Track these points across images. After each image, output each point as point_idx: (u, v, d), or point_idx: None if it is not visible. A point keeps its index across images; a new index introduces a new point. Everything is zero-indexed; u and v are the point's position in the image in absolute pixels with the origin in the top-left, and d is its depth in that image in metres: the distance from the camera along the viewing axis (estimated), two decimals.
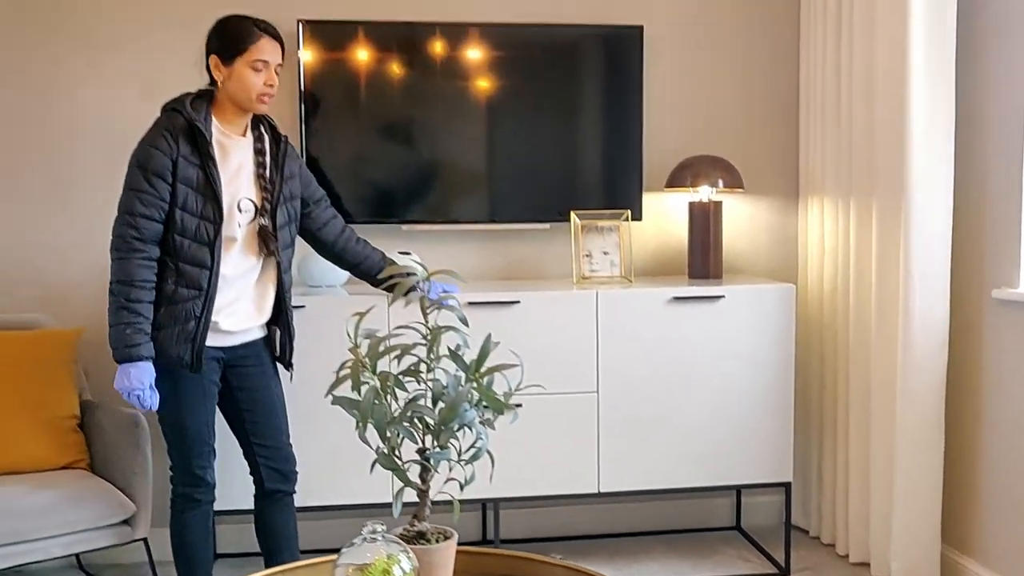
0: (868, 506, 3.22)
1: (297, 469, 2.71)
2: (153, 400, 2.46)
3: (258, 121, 2.60)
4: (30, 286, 3.31)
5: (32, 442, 2.87)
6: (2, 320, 3.08)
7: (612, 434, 3.17)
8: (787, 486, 3.31)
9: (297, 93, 3.30)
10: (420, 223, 3.40)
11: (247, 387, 2.63)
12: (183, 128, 2.43)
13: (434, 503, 1.77)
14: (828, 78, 3.32)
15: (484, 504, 3.26)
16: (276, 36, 2.53)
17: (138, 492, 2.81)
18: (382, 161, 3.40)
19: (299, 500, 2.87)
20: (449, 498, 1.75)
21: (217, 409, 2.63)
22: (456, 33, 3.36)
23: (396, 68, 3.36)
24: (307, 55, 3.29)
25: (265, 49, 2.48)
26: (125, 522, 2.80)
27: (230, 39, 2.48)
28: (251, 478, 2.69)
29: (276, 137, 2.62)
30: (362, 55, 3.33)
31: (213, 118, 2.49)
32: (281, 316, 2.65)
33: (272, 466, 2.66)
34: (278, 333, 2.68)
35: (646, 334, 3.17)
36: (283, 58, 2.55)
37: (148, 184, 2.39)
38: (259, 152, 2.57)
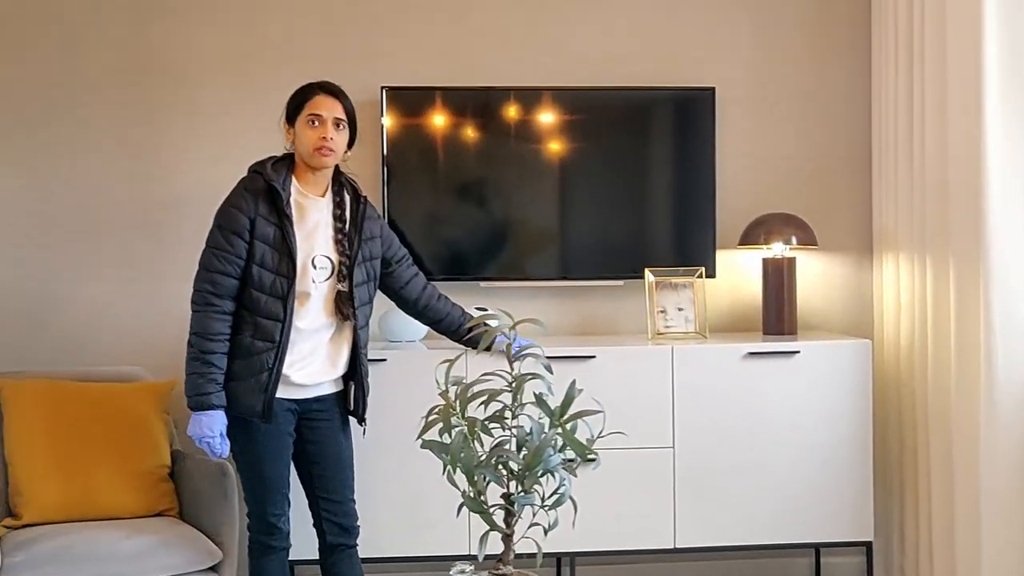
0: (954, 568, 3.14)
1: (359, 524, 2.76)
2: (223, 448, 2.56)
3: (340, 182, 2.71)
4: (128, 340, 3.48)
5: (127, 490, 2.99)
6: (102, 372, 3.23)
7: (688, 489, 3.17)
8: (868, 545, 3.26)
9: (380, 156, 3.45)
10: (496, 280, 3.49)
11: (317, 440, 2.70)
12: (262, 189, 2.57)
13: (515, 556, 1.81)
14: (900, 132, 3.34)
15: (559, 558, 3.27)
16: (332, 91, 2.64)
17: (225, 539, 2.90)
18: (459, 220, 3.52)
19: (374, 551, 2.94)
20: (528, 551, 1.79)
21: None
22: (530, 97, 3.48)
23: (472, 132, 3.49)
24: (388, 120, 3.44)
25: (319, 104, 2.60)
26: (213, 568, 2.88)
27: (292, 102, 2.65)
28: (314, 530, 2.75)
29: (357, 197, 2.72)
30: (440, 120, 3.47)
31: (293, 179, 2.63)
32: (356, 372, 2.71)
33: (335, 520, 2.72)
34: (353, 388, 2.74)
35: (721, 389, 3.19)
36: (345, 113, 2.64)
37: (226, 242, 2.54)
38: (338, 212, 2.66)
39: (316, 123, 2.60)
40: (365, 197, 2.74)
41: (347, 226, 2.66)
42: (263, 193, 2.57)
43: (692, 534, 3.18)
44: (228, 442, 2.57)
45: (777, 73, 3.64)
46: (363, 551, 2.79)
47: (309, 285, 2.59)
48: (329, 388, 2.70)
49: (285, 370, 2.57)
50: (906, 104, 3.31)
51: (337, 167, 2.71)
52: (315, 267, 2.60)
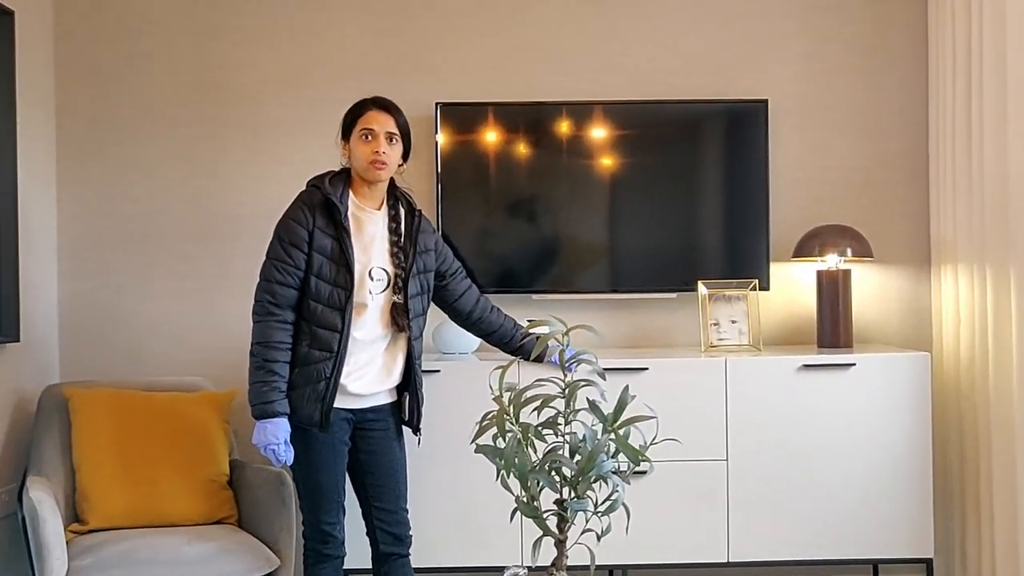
0: None
1: (411, 533, 2.79)
2: (288, 455, 2.61)
3: (396, 196, 2.76)
4: (190, 351, 3.58)
5: (188, 497, 3.06)
6: (165, 382, 3.33)
7: (742, 502, 3.15)
8: (928, 563, 3.20)
9: (434, 172, 3.50)
10: (547, 292, 3.51)
11: (371, 450, 2.73)
12: (320, 202, 2.63)
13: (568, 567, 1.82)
14: (958, 142, 3.30)
15: (611, 570, 3.26)
16: (385, 107, 2.69)
17: (283, 547, 2.96)
18: (510, 235, 3.56)
19: (427, 561, 2.96)
20: (581, 563, 1.80)
21: None
22: (582, 112, 3.51)
23: (524, 147, 3.52)
24: (442, 137, 3.49)
25: (372, 119, 2.66)
26: (270, 575, 2.93)
27: (346, 118, 2.72)
28: (367, 539, 2.78)
29: (412, 211, 2.77)
30: (492, 135, 3.52)
31: (350, 193, 2.69)
32: (411, 382, 2.74)
33: (387, 529, 2.74)
34: (407, 398, 2.77)
35: (776, 402, 3.16)
36: (397, 127, 2.68)
37: (285, 253, 2.60)
38: (393, 225, 2.71)
39: (369, 138, 2.65)
40: (420, 211, 2.79)
41: (402, 239, 2.71)
42: (321, 206, 2.63)
43: (746, 548, 3.15)
44: (292, 449, 2.62)
45: (831, 84, 3.62)
46: (416, 561, 2.81)
47: (366, 296, 2.63)
48: (384, 398, 2.74)
49: (342, 380, 2.61)
50: (964, 113, 3.27)
51: (393, 181, 2.76)
52: (372, 279, 2.64)
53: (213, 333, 3.58)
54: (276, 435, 2.58)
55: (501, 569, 3.11)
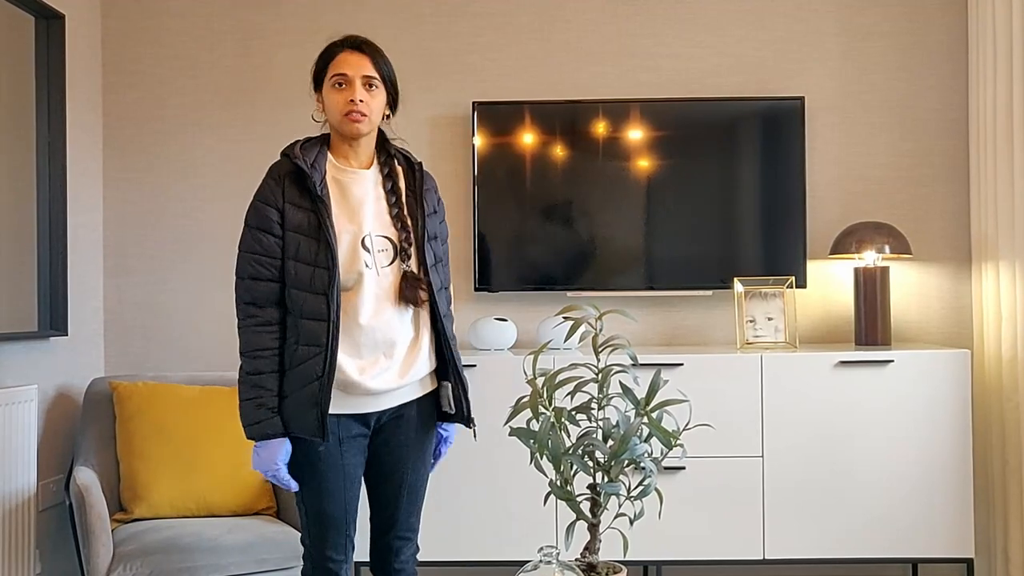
0: None
1: (418, 549, 2.35)
2: (292, 480, 2.17)
3: (388, 152, 2.28)
4: (231, 347, 3.61)
5: (228, 489, 3.12)
6: (207, 377, 3.39)
7: (778, 499, 3.14)
8: (969, 563, 3.16)
9: (471, 174, 3.53)
10: (583, 290, 3.53)
11: (393, 459, 2.25)
12: (289, 172, 2.18)
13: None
14: (1000, 139, 3.27)
15: (646, 567, 3.27)
16: (357, 46, 2.21)
17: None
18: (546, 236, 3.57)
19: (457, 555, 3.00)
20: (611, 556, 1.81)
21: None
22: (618, 111, 3.52)
23: (560, 149, 3.54)
24: (479, 139, 3.52)
25: (344, 62, 2.18)
26: None
27: (317, 65, 2.25)
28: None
29: (411, 165, 2.28)
30: (528, 137, 3.54)
31: (329, 155, 2.22)
32: (449, 368, 2.24)
33: (392, 545, 2.30)
34: (448, 388, 2.25)
35: (812, 399, 3.15)
36: (376, 70, 2.20)
37: (255, 241, 2.18)
38: (388, 184, 2.23)
39: (343, 84, 2.17)
40: (420, 164, 2.29)
41: (402, 197, 2.23)
42: (291, 176, 2.17)
43: (782, 545, 3.14)
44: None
45: (869, 81, 3.60)
46: (445, 554, 2.79)
47: (361, 271, 2.15)
48: (411, 392, 2.23)
49: (357, 377, 2.14)
50: (1005, 110, 3.24)
51: (383, 135, 2.28)
52: (368, 249, 2.17)
53: None
54: (273, 459, 2.13)
55: (521, 563, 3.14)
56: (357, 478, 2.21)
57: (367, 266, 2.15)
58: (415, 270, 2.18)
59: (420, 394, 2.24)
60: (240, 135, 3.67)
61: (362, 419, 2.18)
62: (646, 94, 3.58)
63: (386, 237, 2.19)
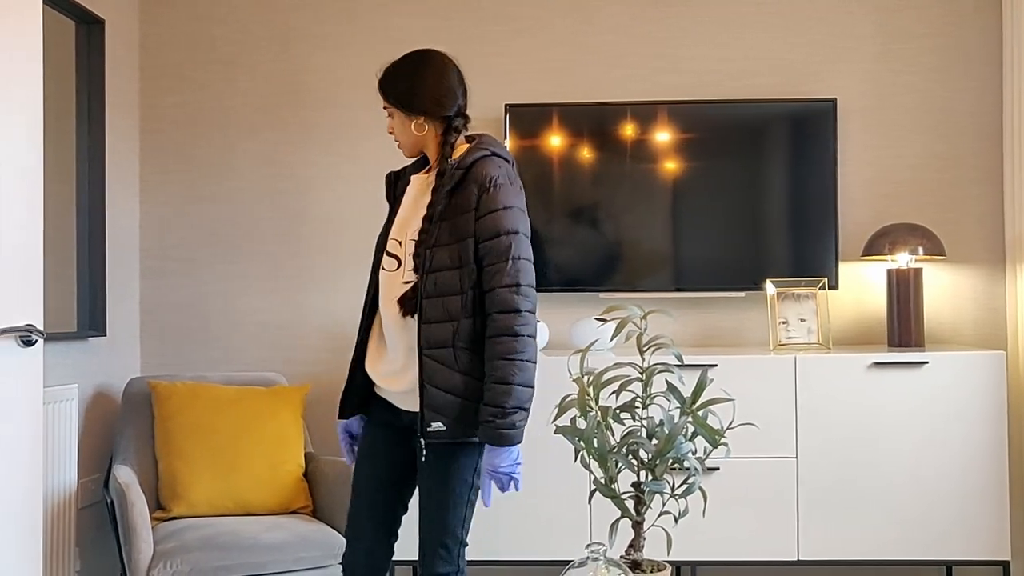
0: None
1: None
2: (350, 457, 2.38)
3: (460, 163, 2.24)
4: (266, 348, 3.68)
5: (266, 488, 3.16)
6: (243, 377, 3.43)
7: (812, 500, 3.14)
8: (1005, 565, 3.15)
9: None
10: (613, 291, 3.54)
11: (421, 465, 2.23)
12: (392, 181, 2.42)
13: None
14: None
15: (679, 567, 3.27)
16: (378, 84, 2.35)
17: None
18: (575, 238, 3.58)
19: (494, 555, 3.01)
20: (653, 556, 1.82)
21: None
22: (647, 113, 3.53)
23: (589, 151, 3.56)
24: (510, 141, 3.53)
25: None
26: None
27: None
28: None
29: (457, 165, 2.24)
30: (557, 139, 3.55)
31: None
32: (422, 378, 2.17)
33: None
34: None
35: (846, 400, 3.15)
36: (386, 99, 2.32)
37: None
38: (437, 187, 2.23)
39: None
40: (456, 162, 2.22)
41: (436, 205, 2.21)
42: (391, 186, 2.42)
43: (816, 547, 3.14)
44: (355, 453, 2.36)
45: (903, 83, 3.60)
46: (482, 554, 2.81)
47: (381, 273, 2.30)
48: (415, 403, 2.20)
49: (381, 382, 2.27)
50: None
51: (448, 141, 2.29)
52: (388, 253, 2.29)
53: (288, 330, 3.68)
54: (340, 437, 2.39)
55: (567, 563, 3.15)
56: (378, 484, 2.29)
57: (384, 268, 2.29)
58: (412, 277, 2.20)
59: (407, 408, 2.24)
60: (276, 138, 3.71)
61: (391, 409, 2.27)
62: (675, 96, 3.59)
63: (398, 241, 2.27)
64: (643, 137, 3.55)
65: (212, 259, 3.71)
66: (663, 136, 3.54)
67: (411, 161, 2.40)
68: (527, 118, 3.56)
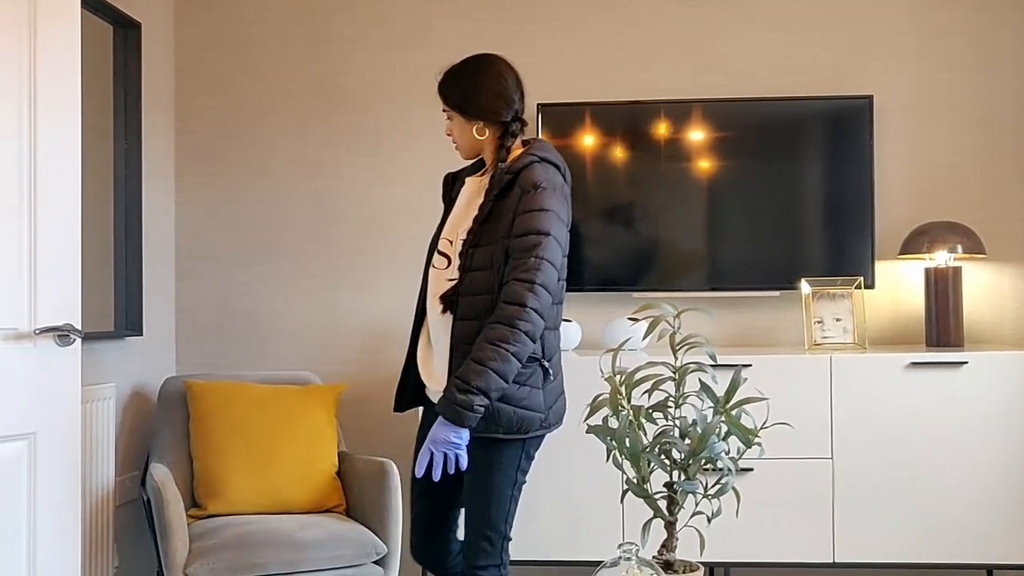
0: None
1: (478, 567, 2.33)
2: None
3: (510, 167, 2.31)
4: (300, 347, 3.71)
5: (300, 486, 3.17)
6: (278, 376, 3.46)
7: (848, 502, 3.10)
8: None
9: None
10: (647, 291, 3.52)
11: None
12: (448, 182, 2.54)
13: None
14: None
15: (712, 568, 3.25)
16: (437, 88, 2.42)
17: (390, 535, 3.03)
18: (609, 237, 3.57)
19: (530, 555, 3.00)
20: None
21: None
22: (681, 112, 3.51)
23: (622, 151, 3.54)
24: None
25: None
26: (377, 563, 3.01)
27: None
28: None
29: (506, 170, 2.30)
30: (589, 139, 3.54)
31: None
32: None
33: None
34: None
35: (883, 400, 3.11)
36: (445, 102, 2.39)
37: None
38: (488, 190, 2.31)
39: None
40: (505, 167, 2.28)
41: (484, 208, 2.29)
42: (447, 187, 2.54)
43: (852, 549, 3.10)
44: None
45: (942, 80, 3.54)
46: (514, 554, 2.80)
47: (431, 270, 2.40)
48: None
49: (426, 380, 2.39)
50: None
51: (503, 145, 2.36)
52: (439, 251, 2.40)
53: (322, 330, 3.70)
54: None
55: (598, 563, 3.14)
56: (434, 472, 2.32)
57: (434, 266, 2.39)
58: (457, 275, 2.28)
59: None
60: (310, 139, 3.73)
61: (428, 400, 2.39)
62: (709, 94, 3.56)
63: (449, 241, 2.37)
64: (677, 136, 3.53)
65: (247, 259, 3.74)
66: (697, 135, 3.52)
67: (469, 162, 2.48)
68: (560, 117, 3.56)
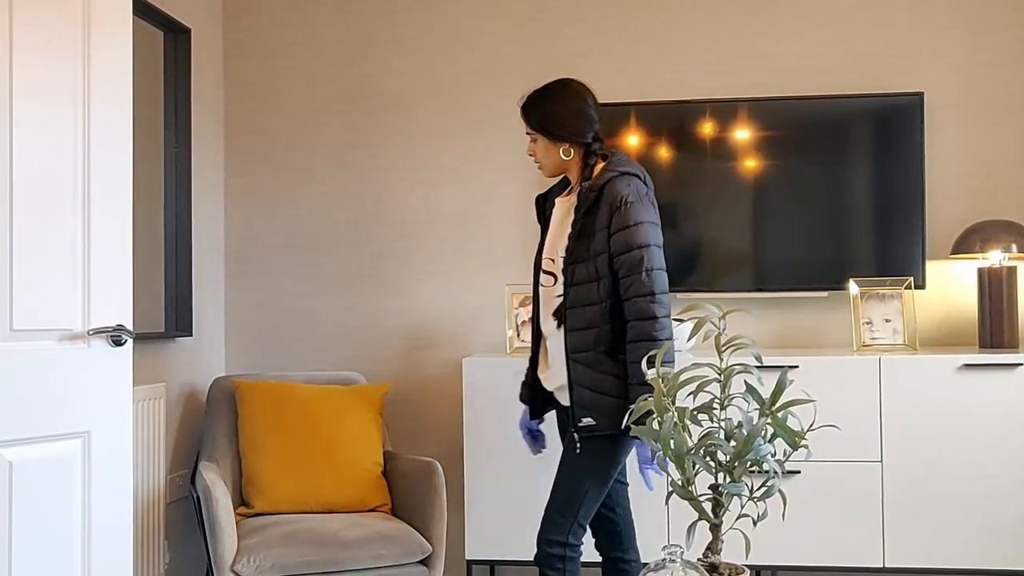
0: None
1: (551, 544, 2.50)
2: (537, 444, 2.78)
3: (588, 177, 2.52)
4: (346, 348, 3.75)
5: (346, 486, 3.21)
6: (324, 377, 3.49)
7: (898, 506, 3.05)
8: None
9: None
10: (691, 292, 3.49)
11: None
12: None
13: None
14: None
15: (758, 571, 3.21)
16: (521, 108, 2.59)
17: (435, 534, 3.05)
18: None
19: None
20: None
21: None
22: (726, 111, 3.48)
23: (668, 150, 3.52)
24: None
25: None
26: (422, 562, 3.03)
27: None
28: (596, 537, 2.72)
29: (591, 188, 2.49)
30: (635, 139, 3.53)
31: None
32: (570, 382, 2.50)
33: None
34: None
35: (934, 402, 3.05)
36: (528, 124, 2.56)
37: None
38: (577, 208, 2.50)
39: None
40: (588, 184, 2.48)
41: (576, 227, 2.50)
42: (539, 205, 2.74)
43: (903, 554, 3.05)
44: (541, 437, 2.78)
45: (994, 75, 3.47)
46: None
47: (540, 288, 2.63)
48: (564, 399, 2.57)
49: (546, 383, 2.62)
50: None
51: (588, 164, 2.54)
52: (543, 270, 2.62)
53: (367, 331, 3.73)
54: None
55: (644, 565, 3.12)
56: (566, 457, 2.54)
57: (542, 285, 2.60)
58: (561, 292, 2.50)
59: (565, 403, 2.56)
60: (355, 143, 3.77)
61: (564, 410, 2.55)
62: (755, 93, 3.53)
63: (552, 259, 2.57)
64: (723, 135, 3.50)
65: (293, 261, 3.79)
66: (743, 134, 3.48)
67: (554, 181, 2.68)
68: (604, 118, 3.50)
